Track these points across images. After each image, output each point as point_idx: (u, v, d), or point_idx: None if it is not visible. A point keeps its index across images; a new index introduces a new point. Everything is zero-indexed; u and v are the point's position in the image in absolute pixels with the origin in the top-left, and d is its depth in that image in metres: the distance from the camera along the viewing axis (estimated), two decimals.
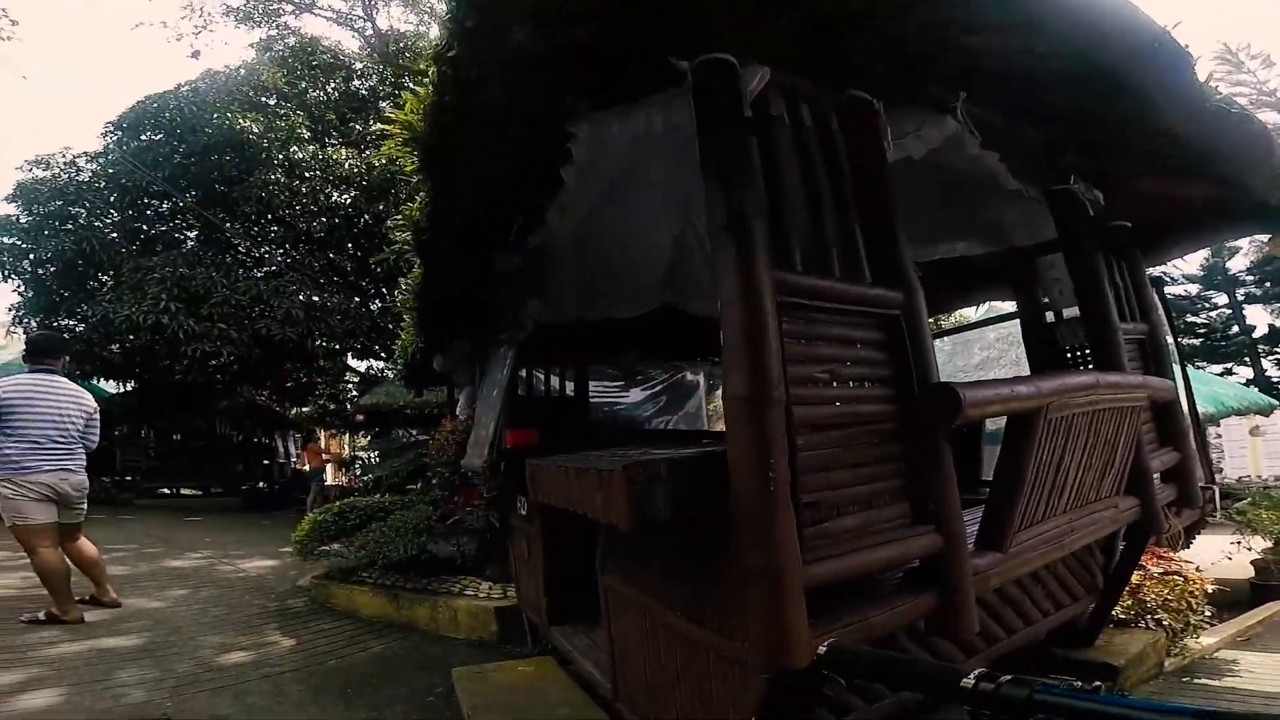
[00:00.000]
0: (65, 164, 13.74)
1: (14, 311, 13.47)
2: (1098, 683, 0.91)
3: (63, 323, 13.22)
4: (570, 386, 5.45)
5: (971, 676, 0.93)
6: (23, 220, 13.01)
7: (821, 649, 1.21)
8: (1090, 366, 3.26)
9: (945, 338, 8.94)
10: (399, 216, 3.36)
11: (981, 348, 10.07)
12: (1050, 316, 3.93)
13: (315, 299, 13.61)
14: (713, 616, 1.84)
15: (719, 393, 10.78)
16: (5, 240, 12.84)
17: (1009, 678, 0.90)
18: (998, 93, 2.68)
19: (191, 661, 3.85)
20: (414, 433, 12.51)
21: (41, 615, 4.38)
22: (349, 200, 14.55)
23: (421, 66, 13.15)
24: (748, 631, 1.60)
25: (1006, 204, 3.47)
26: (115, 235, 13.57)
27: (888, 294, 1.97)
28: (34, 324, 13.16)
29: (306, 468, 14.88)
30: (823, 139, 2.11)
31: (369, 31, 17.85)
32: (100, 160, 13.83)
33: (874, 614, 1.75)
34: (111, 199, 13.71)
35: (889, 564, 1.79)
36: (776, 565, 1.51)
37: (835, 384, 1.79)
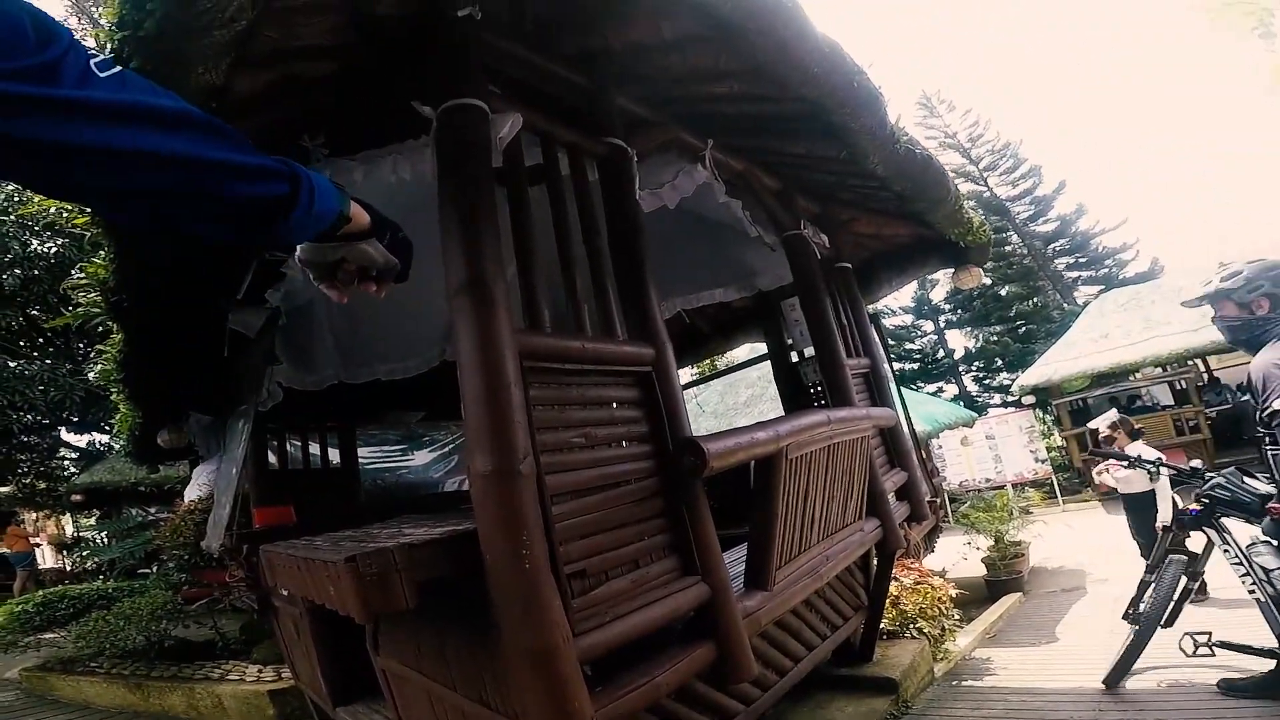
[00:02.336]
0: None
1: None
2: None
3: None
4: (335, 455, 4.89)
5: None
6: None
7: None
8: (826, 402, 3.60)
9: (716, 379, 9.63)
10: (80, 274, 2.77)
11: (747, 386, 11.01)
12: (795, 356, 4.36)
13: (11, 364, 11.00)
14: (495, 697, 1.68)
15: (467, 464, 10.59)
16: None
17: None
18: (741, 140, 2.89)
19: None
20: (151, 510, 10.89)
21: None
22: (53, 250, 12.03)
23: None
24: (527, 711, 1.49)
25: (753, 251, 3.76)
26: None
27: (640, 350, 1.97)
28: None
29: (8, 551, 12.14)
30: (579, 190, 2.09)
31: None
32: None
33: (658, 673, 1.71)
34: None
35: (662, 621, 1.76)
36: (544, 643, 1.42)
37: (593, 447, 1.74)
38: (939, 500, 4.06)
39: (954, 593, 4.53)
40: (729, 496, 3.20)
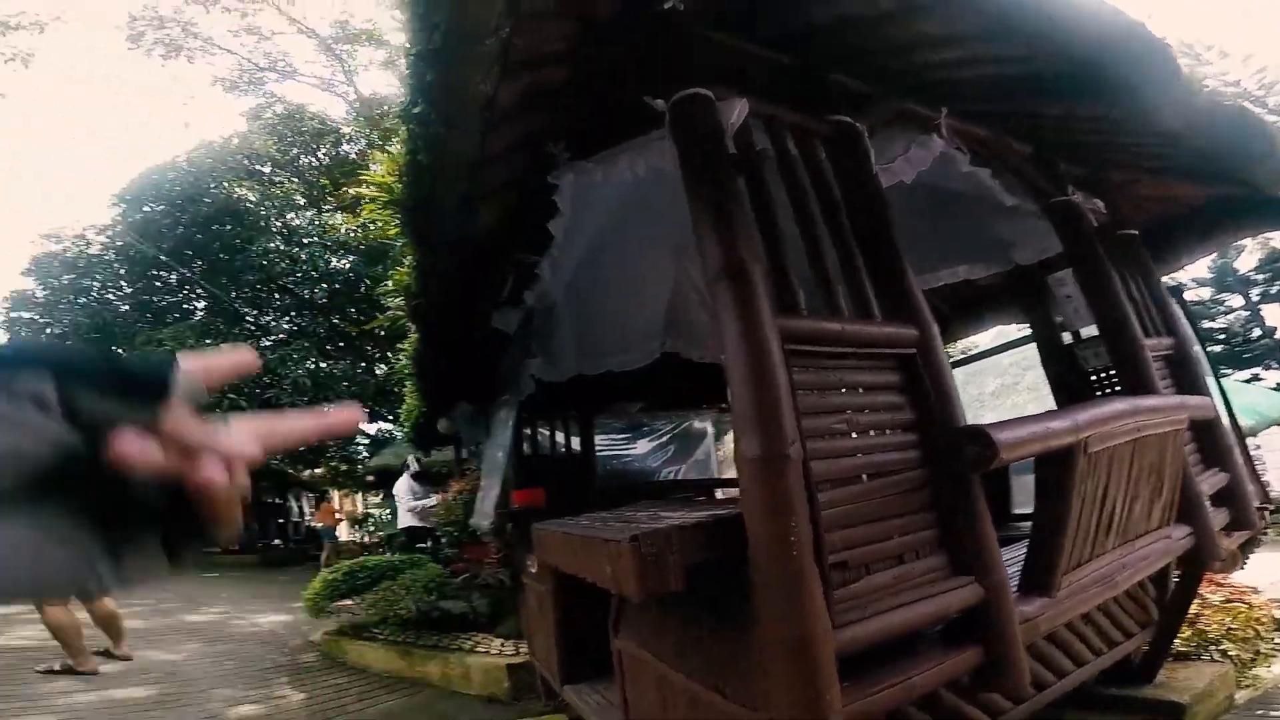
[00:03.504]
0: (75, 237, 14.02)
1: None
2: None
3: None
4: (576, 442, 5.31)
5: None
6: (39, 294, 13.27)
7: None
8: (1118, 389, 3.09)
9: (957, 369, 8.70)
10: (389, 283, 3.31)
11: (996, 374, 9.79)
12: (1068, 337, 3.78)
13: (321, 365, 13.67)
14: (734, 685, 1.69)
15: (728, 439, 10.64)
16: (24, 315, 13.04)
17: None
18: (982, 105, 2.61)
19: (201, 714, 3.83)
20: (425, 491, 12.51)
21: (57, 666, 4.46)
22: (348, 265, 14.72)
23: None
24: (771, 701, 1.47)
25: (1007, 222, 3.35)
26: (127, 307, 13.79)
27: (901, 331, 1.85)
28: None
29: (320, 525, 15.01)
30: (812, 169, 2.02)
31: (352, 96, 18.31)
32: (108, 233, 14.11)
33: (915, 673, 1.61)
34: (121, 271, 13.98)
35: (927, 621, 1.66)
36: (803, 633, 1.39)
37: (855, 434, 1.66)
38: (1266, 511, 3.30)
39: (1277, 613, 3.78)
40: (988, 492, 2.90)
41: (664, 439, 7.16)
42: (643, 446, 7.05)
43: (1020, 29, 1.95)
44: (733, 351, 1.51)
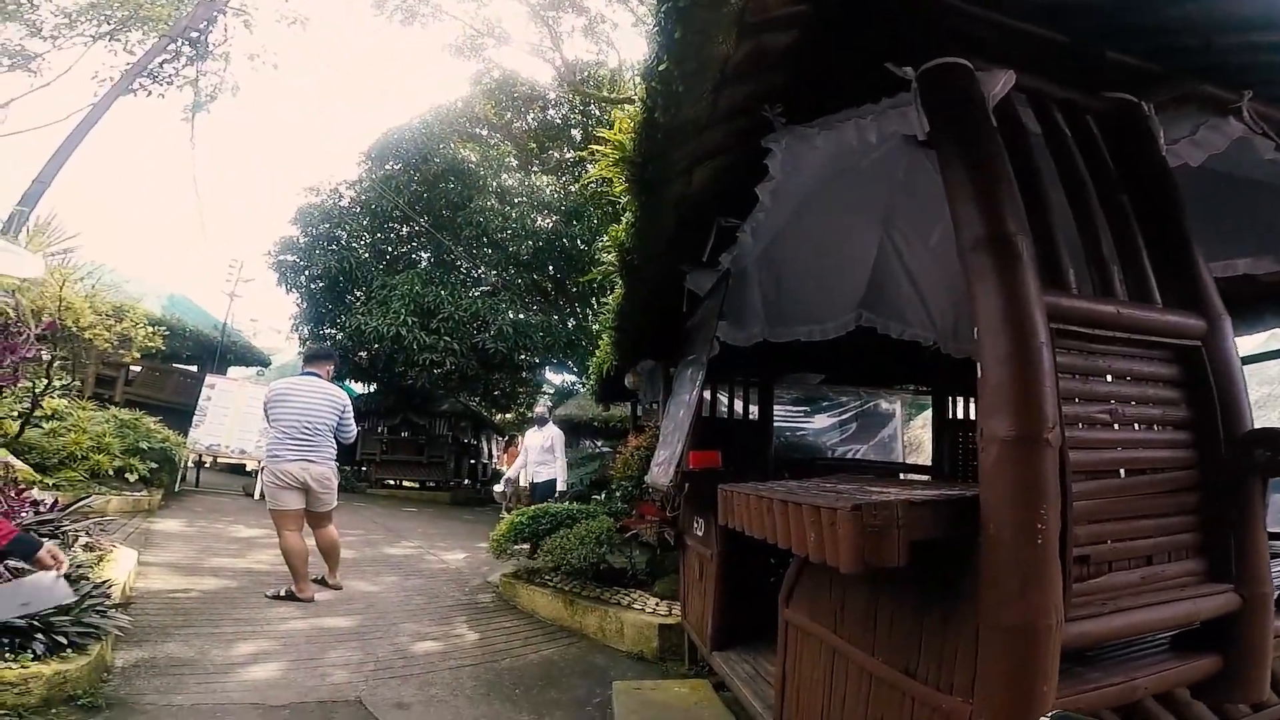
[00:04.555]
0: (330, 190, 16.24)
1: (292, 320, 16.19)
2: None
3: (327, 331, 15.47)
4: (754, 409, 5.27)
5: None
6: (301, 240, 15.51)
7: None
8: None
9: None
10: (603, 239, 3.47)
11: (1261, 382, 8.25)
12: None
13: (521, 316, 14.81)
14: (928, 667, 1.65)
15: (914, 423, 9.97)
16: (289, 258, 15.41)
17: None
18: None
19: (390, 647, 4.19)
20: (599, 444, 13.14)
21: (282, 592, 4.94)
22: (550, 225, 15.67)
23: (605, 94, 13.98)
24: (973, 688, 1.44)
25: None
26: (367, 255, 15.75)
27: (1185, 321, 1.65)
28: (306, 331, 15.68)
29: (506, 469, 15.98)
30: (1084, 146, 1.86)
31: (558, 62, 19.17)
32: (356, 187, 16.10)
33: (1140, 675, 1.56)
34: (364, 222, 15.95)
35: (1170, 624, 1.60)
36: (1035, 623, 1.34)
37: (1118, 426, 1.52)
38: None
39: None
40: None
41: (845, 416, 6.90)
42: (821, 421, 6.85)
43: None
44: (989, 325, 1.42)
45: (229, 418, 11.13)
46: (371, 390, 17.07)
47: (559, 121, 17.92)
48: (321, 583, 5.32)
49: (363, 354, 14.77)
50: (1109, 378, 1.53)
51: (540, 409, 8.66)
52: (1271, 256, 3.21)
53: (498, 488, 9.01)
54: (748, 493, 2.27)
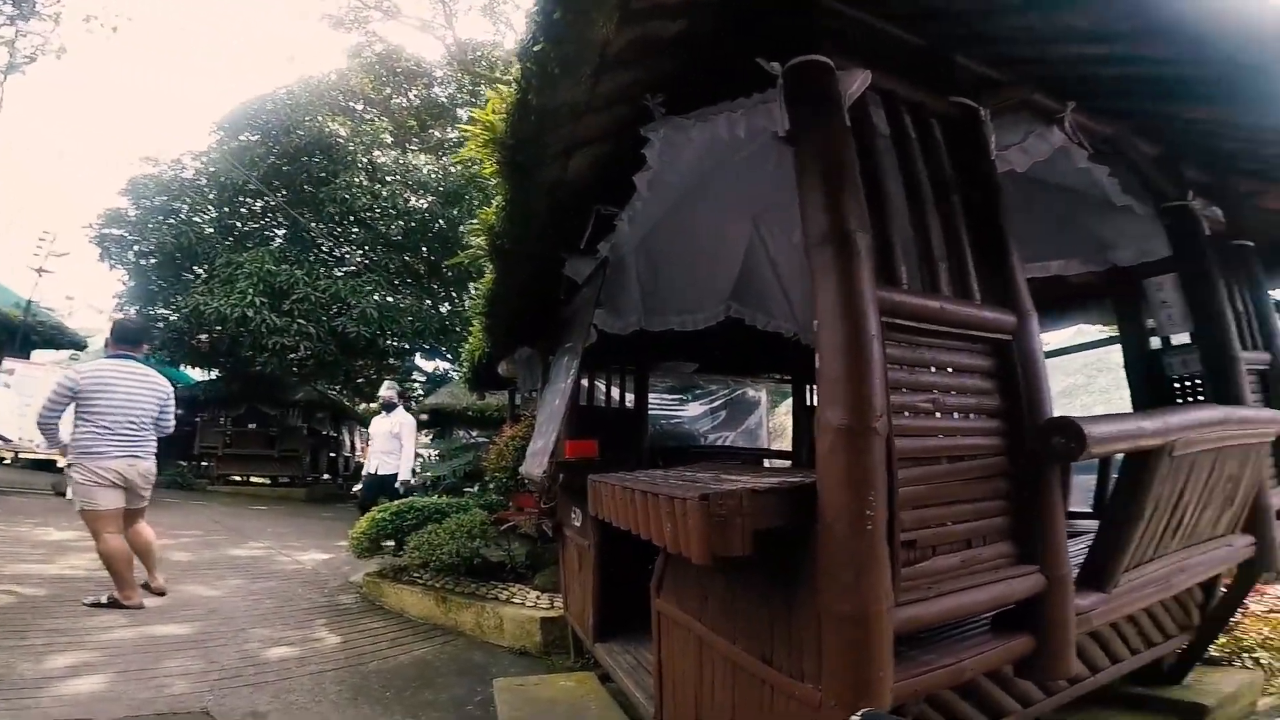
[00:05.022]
0: (172, 161, 14.63)
1: (118, 299, 14.44)
2: None
3: (159, 311, 13.98)
4: (630, 398, 5.33)
5: None
6: (131, 213, 13.88)
7: (855, 717, 1.15)
8: (1202, 398, 3.04)
9: None
10: (474, 221, 3.35)
11: (1066, 374, 9.49)
12: (1155, 342, 3.62)
13: (389, 299, 14.08)
14: (781, 654, 1.71)
15: (779, 410, 10.55)
16: (115, 232, 13.75)
17: None
18: (1112, 102, 2.50)
19: (237, 654, 3.86)
20: (474, 434, 12.72)
21: (104, 599, 4.40)
22: (425, 205, 15.04)
23: (498, 75, 13.62)
24: (821, 674, 1.50)
25: (1111, 221, 3.24)
26: (211, 230, 14.36)
27: (999, 316, 1.80)
28: (134, 311, 13.98)
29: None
30: (925, 148, 1.98)
31: (449, 40, 18.45)
32: (203, 159, 14.65)
33: (965, 657, 1.65)
34: (210, 196, 14.54)
35: (987, 606, 1.69)
36: (866, 608, 1.40)
37: (939, 414, 1.64)
38: None
39: None
40: None
41: (716, 404, 7.15)
42: (694, 409, 7.06)
43: (1178, 31, 1.87)
44: (828, 318, 1.49)
45: (32, 407, 9.73)
46: (213, 377, 15.75)
47: (444, 100, 17.31)
48: (145, 588, 4.78)
49: (202, 337, 13.54)
50: (933, 369, 1.65)
51: (387, 392, 7.76)
52: (1079, 259, 3.66)
53: (359, 487, 7.90)
54: (614, 484, 2.26)
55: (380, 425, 7.53)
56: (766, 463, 6.06)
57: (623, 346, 4.55)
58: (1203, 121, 2.55)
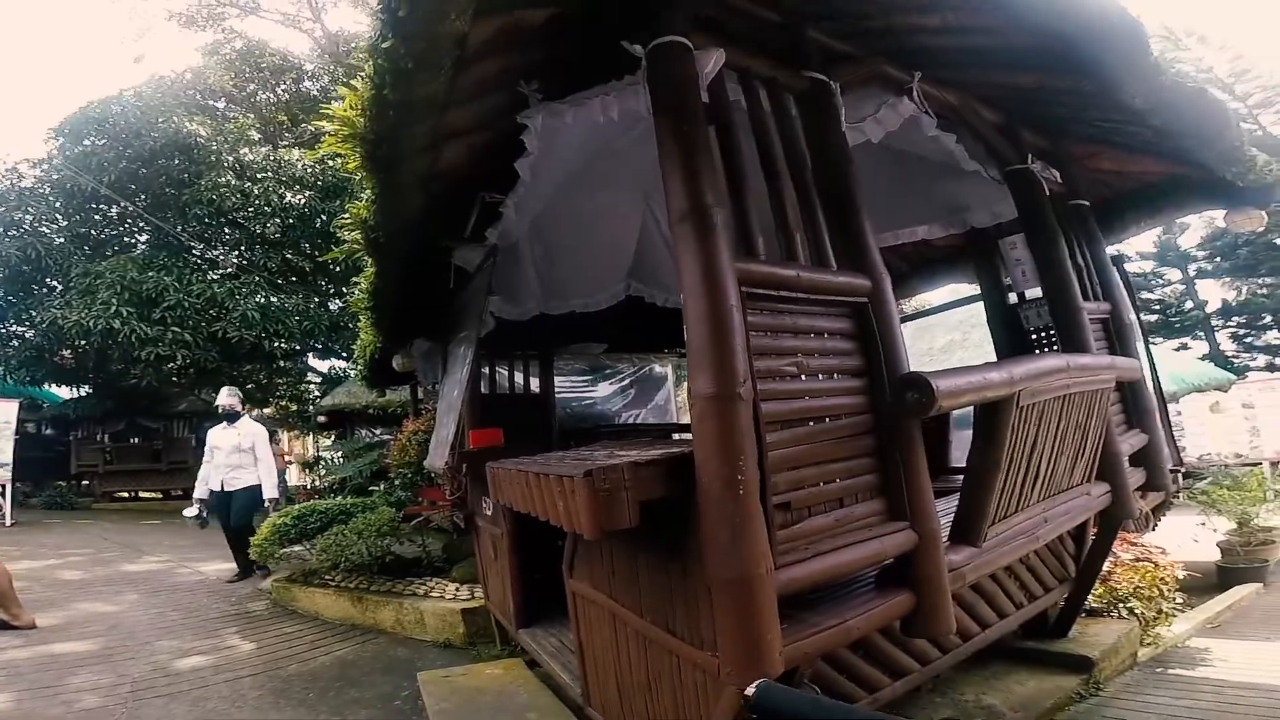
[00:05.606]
0: (7, 170, 13.16)
1: None
2: None
3: (14, 330, 12.80)
4: (535, 382, 5.32)
5: None
6: None
7: (750, 690, 1.15)
8: (1056, 348, 3.25)
9: (908, 322, 8.99)
10: (346, 216, 3.21)
11: (946, 330, 10.12)
12: (1013, 298, 3.96)
13: (273, 300, 13.25)
14: (682, 624, 1.77)
15: (687, 385, 10.81)
16: None
17: None
18: (954, 73, 2.67)
19: (147, 666, 3.75)
20: (377, 432, 12.29)
21: None
22: (303, 201, 14.22)
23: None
24: (716, 640, 1.53)
25: (965, 186, 3.47)
26: (62, 240, 13.04)
27: (855, 281, 1.91)
28: None
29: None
30: (780, 123, 2.05)
31: (318, 33, 17.41)
32: (42, 167, 13.31)
33: (850, 616, 1.69)
34: (57, 204, 13.21)
35: (864, 564, 1.74)
36: (746, 573, 1.44)
37: (804, 377, 1.72)
38: (1181, 470, 3.55)
39: (1181, 574, 4.03)
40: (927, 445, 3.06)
41: (625, 382, 7.20)
42: (603, 389, 7.09)
43: (998, 2, 2.00)
44: (690, 291, 1.54)
45: None
46: (83, 394, 14.61)
47: (316, 93, 16.31)
48: (3, 626, 4.43)
49: (65, 353, 12.48)
50: (795, 334, 1.73)
51: (228, 400, 6.76)
52: (940, 224, 3.94)
53: (189, 511, 6.77)
54: (510, 468, 2.28)
55: (224, 437, 6.55)
56: (675, 436, 6.20)
57: (525, 332, 4.52)
58: (1035, 89, 2.75)
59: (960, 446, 3.87)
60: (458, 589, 4.71)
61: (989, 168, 3.03)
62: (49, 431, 15.04)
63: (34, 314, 12.09)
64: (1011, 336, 3.85)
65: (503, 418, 4.43)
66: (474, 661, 3.83)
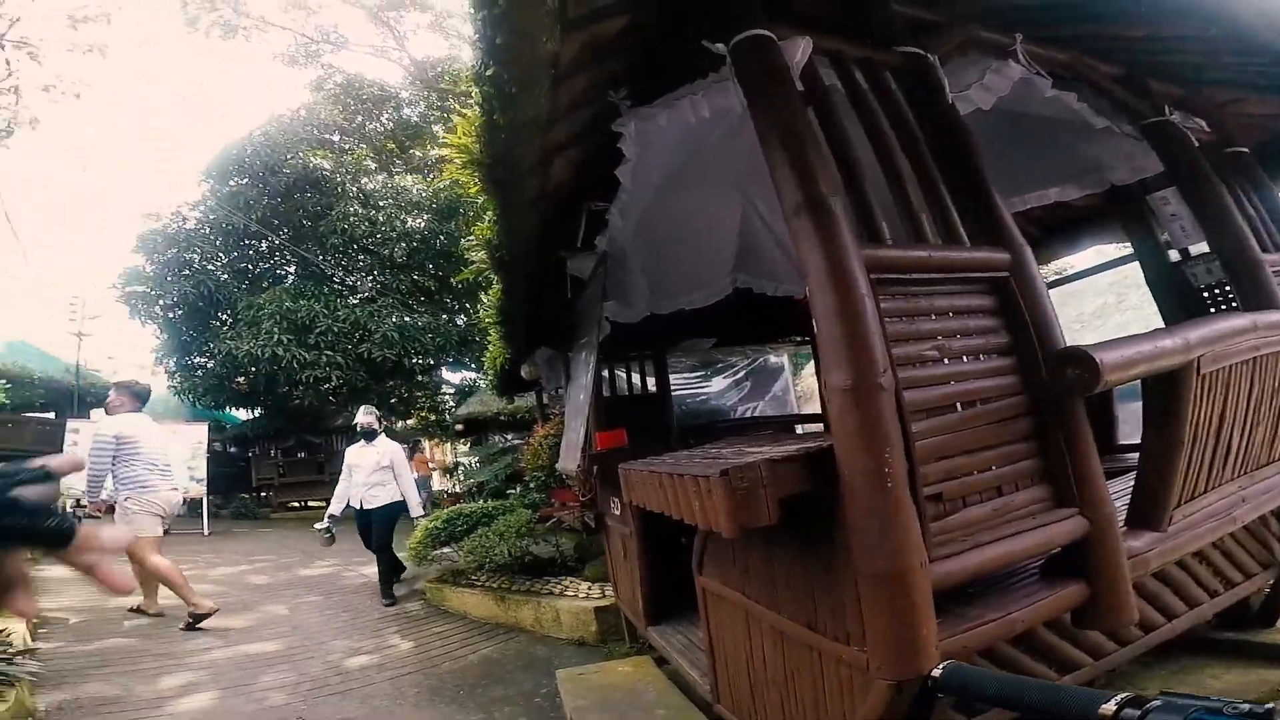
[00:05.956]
0: (172, 214, 14.97)
1: (154, 353, 14.95)
2: (1270, 706, 0.74)
3: (196, 360, 14.49)
4: (651, 382, 5.39)
5: (1112, 703, 0.80)
6: (148, 269, 14.26)
7: (936, 671, 1.12)
8: (1235, 305, 2.89)
9: (1052, 289, 8.27)
10: (472, 238, 3.42)
11: (1096, 294, 9.22)
12: (1174, 255, 3.54)
13: (407, 320, 14.31)
14: (825, 620, 1.72)
15: (805, 372, 10.51)
16: (137, 289, 14.15)
17: (1158, 701, 0.77)
18: (1057, 30, 2.48)
19: (323, 665, 4.16)
20: (509, 437, 12.90)
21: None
22: (423, 224, 15.23)
23: (463, 89, 13.68)
24: (865, 636, 1.48)
25: (1098, 143, 3.18)
26: (226, 276, 14.71)
27: (992, 255, 1.79)
28: (171, 364, 14.58)
29: (415, 475, 15.50)
30: (884, 102, 1.97)
31: (406, 61, 18.54)
32: (200, 208, 14.96)
33: (1013, 609, 1.59)
34: (217, 242, 14.87)
35: (1027, 555, 1.62)
36: (898, 567, 1.39)
37: (947, 360, 1.63)
38: None
39: None
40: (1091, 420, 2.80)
41: (739, 375, 7.15)
42: (718, 384, 7.08)
43: None
44: (817, 284, 1.50)
45: None
46: (257, 415, 16.38)
47: (417, 120, 17.38)
48: (137, 611, 5.28)
49: (240, 379, 13.95)
50: (933, 316, 1.64)
51: (365, 418, 6.64)
52: (1075, 184, 3.60)
53: (319, 525, 6.80)
54: (643, 470, 2.31)
55: (363, 456, 6.50)
56: (800, 429, 6.07)
57: (637, 333, 4.60)
58: (1150, 39, 2.51)
59: (1128, 420, 3.52)
60: (590, 588, 4.84)
61: (1120, 123, 2.73)
62: (232, 449, 17.02)
63: (212, 346, 13.65)
64: (1178, 297, 3.43)
65: (624, 418, 4.53)
66: (606, 659, 3.96)
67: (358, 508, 6.47)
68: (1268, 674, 2.49)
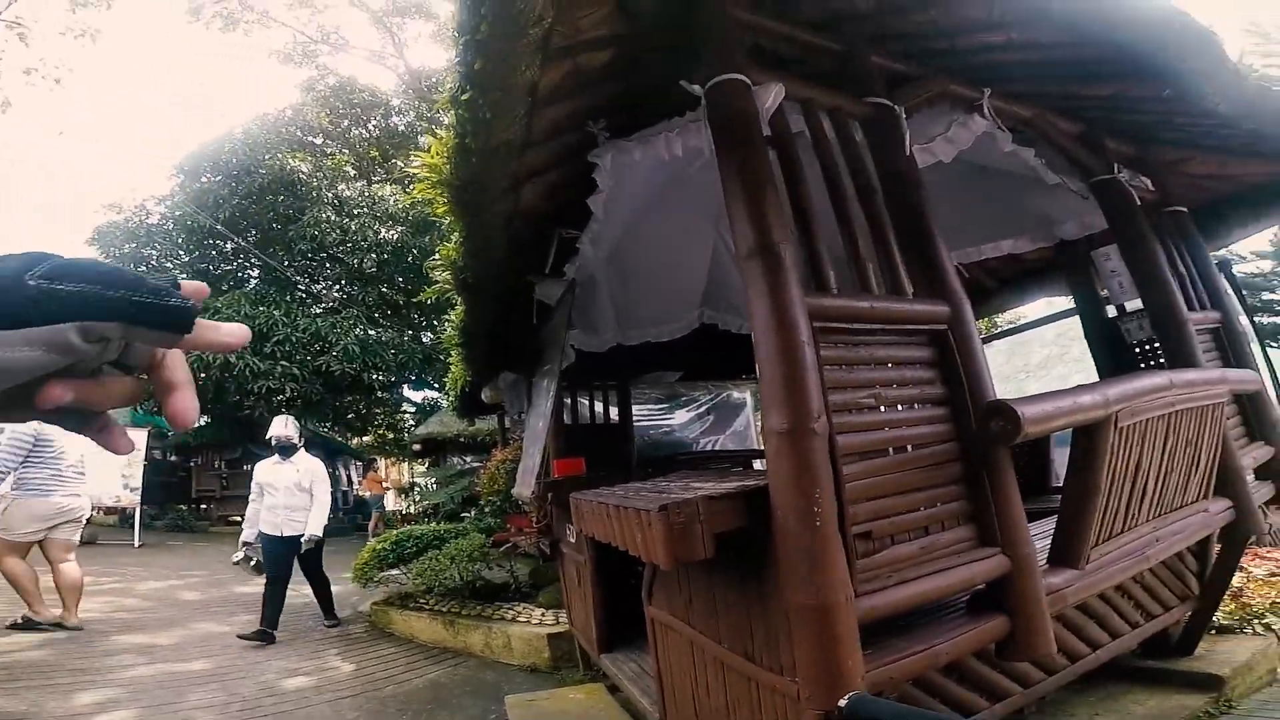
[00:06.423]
0: (135, 208, 14.58)
1: None
2: None
3: None
4: (614, 412, 5.41)
5: None
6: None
7: (842, 702, 1.19)
8: (1162, 361, 3.08)
9: (1002, 339, 8.61)
10: (437, 256, 3.43)
11: (1041, 345, 9.66)
12: (1112, 311, 3.74)
13: (370, 334, 14.10)
14: (761, 652, 1.77)
15: (760, 417, 10.65)
16: None
17: None
18: (1026, 87, 2.62)
19: (255, 685, 3.98)
20: (467, 459, 12.78)
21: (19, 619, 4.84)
22: (396, 236, 15.13)
23: (439, 106, 13.70)
24: (796, 668, 1.54)
25: (1051, 198, 3.36)
26: (184, 276, 14.24)
27: (932, 308, 1.88)
28: None
29: (367, 494, 15.26)
30: (846, 151, 2.06)
31: (401, 69, 18.61)
32: (167, 203, 14.64)
33: (938, 642, 1.67)
34: (179, 240, 14.54)
35: (951, 590, 1.71)
36: (824, 600, 1.45)
37: (883, 408, 1.70)
38: None
39: None
40: (1022, 466, 2.93)
41: (702, 409, 7.20)
42: (681, 417, 7.11)
43: (1059, 16, 2.01)
44: (760, 328, 1.56)
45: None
46: (203, 423, 15.81)
47: (404, 129, 17.34)
48: (57, 625, 5.03)
49: None
50: (872, 365, 1.72)
51: (283, 430, 5.80)
52: (1028, 237, 3.80)
53: (236, 556, 6.01)
54: (592, 500, 2.34)
55: (279, 474, 5.65)
56: (758, 463, 6.14)
57: (603, 363, 4.63)
58: (1113, 99, 2.67)
59: (1064, 464, 3.69)
60: (543, 614, 4.78)
61: (1072, 180, 2.93)
62: (172, 458, 16.42)
63: None
64: (1113, 351, 3.62)
65: (584, 447, 4.53)
66: (558, 685, 3.90)
67: (275, 534, 5.53)
68: (1186, 699, 2.66)
